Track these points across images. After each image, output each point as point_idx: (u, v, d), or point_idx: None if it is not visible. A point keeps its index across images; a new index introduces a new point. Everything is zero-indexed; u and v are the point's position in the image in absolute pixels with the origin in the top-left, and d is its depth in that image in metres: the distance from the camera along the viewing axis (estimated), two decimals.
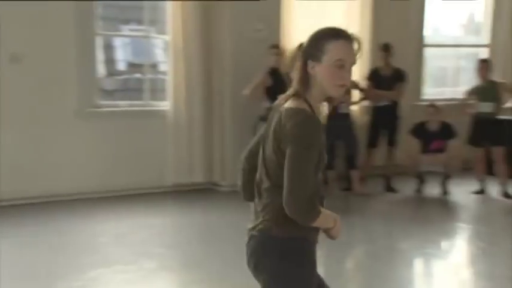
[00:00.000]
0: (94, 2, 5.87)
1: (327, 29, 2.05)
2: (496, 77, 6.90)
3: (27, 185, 5.55)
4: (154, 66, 6.78)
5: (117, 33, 7.50)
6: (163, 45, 6.36)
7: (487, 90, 6.38)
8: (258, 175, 2.08)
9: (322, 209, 1.97)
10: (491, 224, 5.54)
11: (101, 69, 6.11)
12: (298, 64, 2.03)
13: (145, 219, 5.28)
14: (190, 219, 5.35)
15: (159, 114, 6.29)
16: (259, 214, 2.07)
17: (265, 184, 2.02)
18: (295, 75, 2.04)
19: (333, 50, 1.97)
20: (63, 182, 5.73)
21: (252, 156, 2.16)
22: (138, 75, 6.94)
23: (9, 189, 5.37)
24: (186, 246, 4.52)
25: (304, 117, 1.93)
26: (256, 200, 2.11)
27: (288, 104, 2.01)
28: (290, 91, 2.04)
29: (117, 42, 7.98)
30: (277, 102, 2.08)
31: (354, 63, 2.02)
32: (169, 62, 6.27)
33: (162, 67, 6.46)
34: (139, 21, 6.47)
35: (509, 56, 7.75)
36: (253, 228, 2.11)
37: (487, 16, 8.01)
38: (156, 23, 6.29)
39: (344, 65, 1.98)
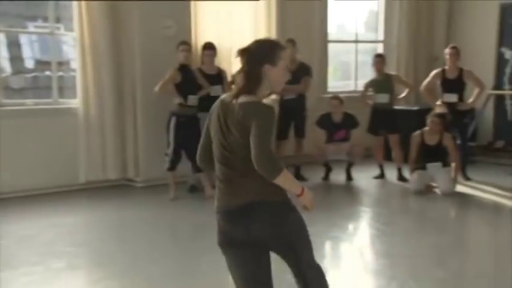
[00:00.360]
0: None
1: (276, 40, 2.54)
2: (391, 70, 7.23)
3: None
4: (65, 64, 6.46)
5: (22, 30, 7.06)
6: (73, 42, 6.07)
7: (382, 82, 6.64)
8: (223, 162, 2.38)
9: (286, 170, 2.31)
10: (390, 206, 5.77)
11: (6, 67, 5.72)
12: (249, 67, 2.38)
13: (55, 218, 5.01)
14: (103, 216, 5.15)
15: (70, 112, 6.01)
16: (242, 191, 2.35)
17: (239, 165, 2.34)
18: (245, 76, 2.39)
19: (285, 57, 2.43)
20: None
21: (205, 151, 2.49)
22: (47, 73, 6.57)
23: None
24: (98, 244, 4.34)
25: (265, 108, 2.35)
26: (228, 181, 2.37)
27: (244, 99, 2.36)
28: (239, 88, 2.39)
29: (24, 39, 7.50)
30: (226, 98, 2.43)
31: None
32: (77, 59, 5.98)
33: (73, 64, 6.16)
34: (45, 18, 6.12)
35: (402, 51, 8.14)
36: (247, 202, 2.34)
37: (382, 14, 8.35)
38: (64, 20, 5.98)
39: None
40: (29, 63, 7.55)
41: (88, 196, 5.89)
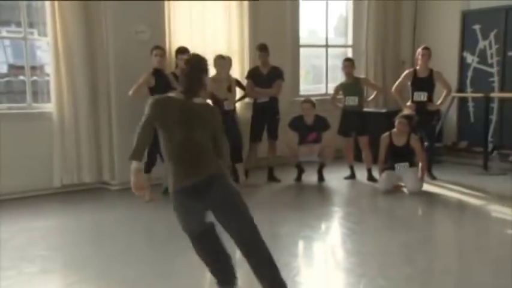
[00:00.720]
0: None
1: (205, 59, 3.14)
2: (360, 74, 7.27)
3: None
4: (39, 69, 6.30)
5: None
6: (47, 47, 5.94)
7: (351, 86, 6.66)
8: (191, 148, 2.99)
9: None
10: (360, 205, 5.77)
11: None
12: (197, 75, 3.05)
13: (28, 222, 4.88)
14: (77, 220, 5.03)
15: (44, 116, 5.88)
16: (204, 168, 3.00)
17: (205, 150, 3.02)
18: (195, 81, 3.04)
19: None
20: None
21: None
22: (21, 78, 6.41)
23: None
24: (72, 247, 4.23)
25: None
26: (193, 161, 3.00)
27: (200, 101, 3.12)
28: (188, 90, 3.04)
29: None
30: (176, 96, 3.08)
31: None
32: (51, 63, 5.85)
33: (48, 69, 6.04)
34: (18, 23, 5.96)
35: (371, 55, 8.20)
36: (211, 174, 3.02)
37: (350, 19, 8.41)
38: (37, 24, 5.84)
39: None
40: (2, 68, 7.36)
41: (63, 200, 5.76)
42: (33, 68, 6.14)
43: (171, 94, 3.20)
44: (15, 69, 7.02)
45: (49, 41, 5.81)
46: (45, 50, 6.10)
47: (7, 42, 7.23)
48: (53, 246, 4.24)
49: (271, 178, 6.66)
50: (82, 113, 5.96)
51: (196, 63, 3.05)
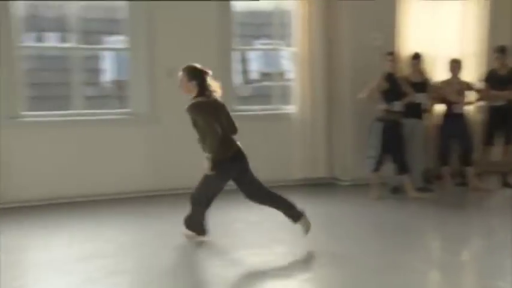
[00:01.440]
0: (232, 22, 6.11)
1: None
2: None
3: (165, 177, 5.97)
4: (283, 75, 6.93)
5: (251, 47, 7.78)
6: (290, 56, 6.50)
7: None
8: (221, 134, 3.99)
9: None
10: None
11: (238, 78, 6.36)
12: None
13: (273, 209, 5.37)
14: (313, 210, 5.31)
15: (286, 117, 6.41)
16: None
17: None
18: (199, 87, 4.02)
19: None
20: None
21: None
22: (268, 83, 7.14)
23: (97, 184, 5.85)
24: (309, 234, 4.54)
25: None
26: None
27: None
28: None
29: (251, 55, 8.29)
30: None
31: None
32: (295, 70, 6.36)
33: (289, 75, 6.61)
34: (269, 36, 6.65)
35: None
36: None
37: None
38: (284, 37, 6.43)
39: None
40: (255, 75, 8.32)
41: (299, 191, 6.15)
42: (279, 74, 6.76)
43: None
44: (264, 76, 7.86)
45: (294, 51, 6.32)
46: (288, 58, 6.67)
47: (259, 53, 8.16)
48: (295, 231, 4.62)
49: (505, 184, 6.08)
50: (319, 114, 6.32)
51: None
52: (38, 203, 5.34)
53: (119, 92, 6.75)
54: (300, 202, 5.84)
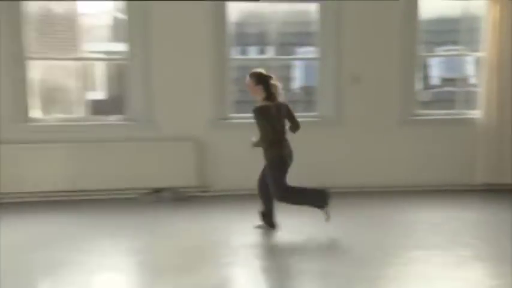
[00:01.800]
0: (417, 30, 6.17)
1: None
2: None
3: (363, 176, 6.28)
4: (465, 80, 6.80)
5: (435, 54, 7.74)
6: (475, 61, 6.36)
7: None
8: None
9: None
10: None
11: (419, 84, 6.45)
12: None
13: (455, 212, 5.34)
14: (496, 217, 5.20)
15: (468, 122, 6.27)
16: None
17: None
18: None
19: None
20: (390, 176, 6.26)
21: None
22: (449, 88, 7.05)
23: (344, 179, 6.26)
24: (494, 241, 4.43)
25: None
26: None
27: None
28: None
29: (433, 61, 8.23)
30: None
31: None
32: (481, 75, 6.20)
33: (473, 80, 6.48)
34: (455, 42, 6.60)
35: None
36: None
37: None
38: (471, 42, 6.32)
39: None
40: (436, 81, 8.24)
41: (481, 196, 6.01)
42: (462, 80, 6.65)
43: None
44: (445, 81, 7.76)
45: (481, 56, 6.16)
46: (473, 63, 6.52)
47: (440, 59, 8.08)
48: (479, 236, 4.57)
49: None
50: (507, 120, 6.10)
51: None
52: (240, 192, 6.16)
53: (306, 97, 7.34)
54: (481, 207, 5.74)
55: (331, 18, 6.14)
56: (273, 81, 4.57)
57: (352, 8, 6.08)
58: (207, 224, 5.01)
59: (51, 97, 6.28)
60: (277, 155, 4.52)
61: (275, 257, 4.15)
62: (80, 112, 6.18)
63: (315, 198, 4.59)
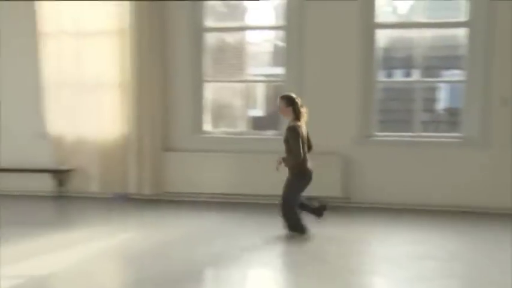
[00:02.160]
0: None
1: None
2: None
3: (507, 198, 6.22)
4: None
5: None
6: None
7: None
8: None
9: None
10: None
11: None
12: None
13: None
14: None
15: None
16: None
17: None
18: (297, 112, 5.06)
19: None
20: None
21: None
22: None
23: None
24: None
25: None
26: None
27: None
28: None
29: None
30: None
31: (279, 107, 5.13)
32: None
33: None
34: None
35: None
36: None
37: None
38: None
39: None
40: None
41: None
42: None
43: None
44: None
45: None
46: None
47: None
48: None
49: None
50: None
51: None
52: (383, 205, 6.52)
53: (450, 118, 7.46)
54: None
55: (480, 42, 6.27)
56: (300, 104, 4.99)
57: (502, 31, 6.14)
58: (349, 233, 5.40)
59: (220, 113, 7.35)
60: (304, 171, 4.96)
61: (413, 265, 4.38)
62: (242, 126, 7.16)
63: (297, 224, 5.07)
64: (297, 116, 4.97)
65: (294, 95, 5.09)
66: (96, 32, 6.86)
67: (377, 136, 6.70)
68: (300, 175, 4.98)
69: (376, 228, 5.64)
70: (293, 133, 4.86)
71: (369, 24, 6.52)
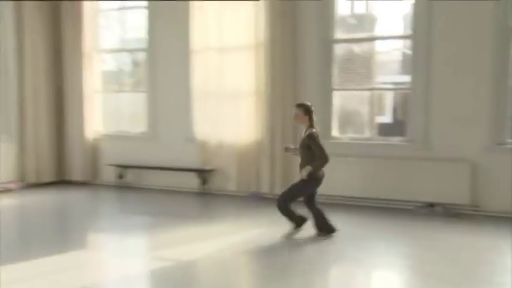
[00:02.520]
0: None
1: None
2: None
3: None
4: None
5: None
6: None
7: None
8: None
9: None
10: None
11: None
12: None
13: None
14: None
15: None
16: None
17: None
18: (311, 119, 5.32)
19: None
20: None
21: None
22: None
23: None
24: None
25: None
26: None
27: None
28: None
29: None
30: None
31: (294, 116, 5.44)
32: None
33: None
34: None
35: None
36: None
37: None
38: None
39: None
40: None
41: None
42: None
43: None
44: None
45: None
46: None
47: None
48: None
49: None
50: None
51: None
52: (510, 215, 6.30)
53: None
54: None
55: None
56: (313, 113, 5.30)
57: None
58: (477, 241, 5.37)
59: (347, 120, 7.70)
60: (318, 174, 5.21)
61: None
62: (369, 133, 7.42)
63: (294, 219, 5.35)
64: (311, 123, 5.29)
65: (309, 104, 5.37)
66: (236, 47, 7.68)
67: (510, 144, 6.49)
68: (311, 180, 5.24)
69: (507, 238, 5.51)
70: (315, 139, 5.18)
71: (503, 27, 6.37)
